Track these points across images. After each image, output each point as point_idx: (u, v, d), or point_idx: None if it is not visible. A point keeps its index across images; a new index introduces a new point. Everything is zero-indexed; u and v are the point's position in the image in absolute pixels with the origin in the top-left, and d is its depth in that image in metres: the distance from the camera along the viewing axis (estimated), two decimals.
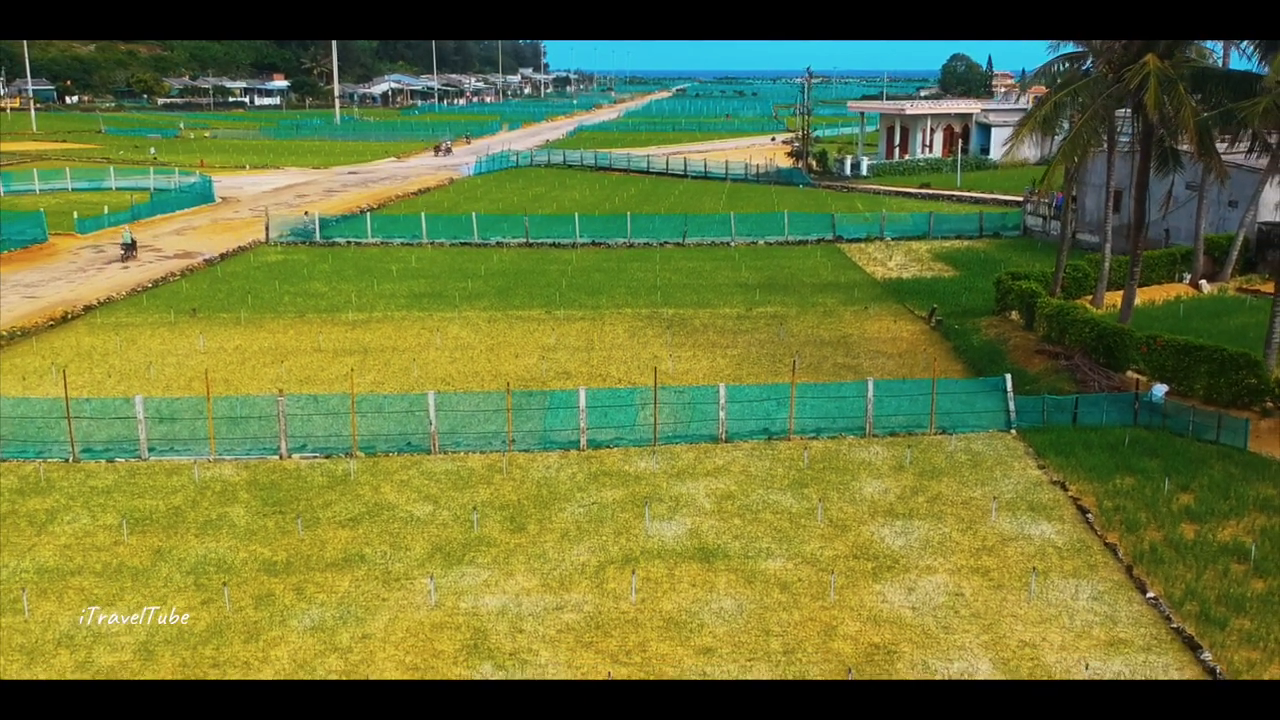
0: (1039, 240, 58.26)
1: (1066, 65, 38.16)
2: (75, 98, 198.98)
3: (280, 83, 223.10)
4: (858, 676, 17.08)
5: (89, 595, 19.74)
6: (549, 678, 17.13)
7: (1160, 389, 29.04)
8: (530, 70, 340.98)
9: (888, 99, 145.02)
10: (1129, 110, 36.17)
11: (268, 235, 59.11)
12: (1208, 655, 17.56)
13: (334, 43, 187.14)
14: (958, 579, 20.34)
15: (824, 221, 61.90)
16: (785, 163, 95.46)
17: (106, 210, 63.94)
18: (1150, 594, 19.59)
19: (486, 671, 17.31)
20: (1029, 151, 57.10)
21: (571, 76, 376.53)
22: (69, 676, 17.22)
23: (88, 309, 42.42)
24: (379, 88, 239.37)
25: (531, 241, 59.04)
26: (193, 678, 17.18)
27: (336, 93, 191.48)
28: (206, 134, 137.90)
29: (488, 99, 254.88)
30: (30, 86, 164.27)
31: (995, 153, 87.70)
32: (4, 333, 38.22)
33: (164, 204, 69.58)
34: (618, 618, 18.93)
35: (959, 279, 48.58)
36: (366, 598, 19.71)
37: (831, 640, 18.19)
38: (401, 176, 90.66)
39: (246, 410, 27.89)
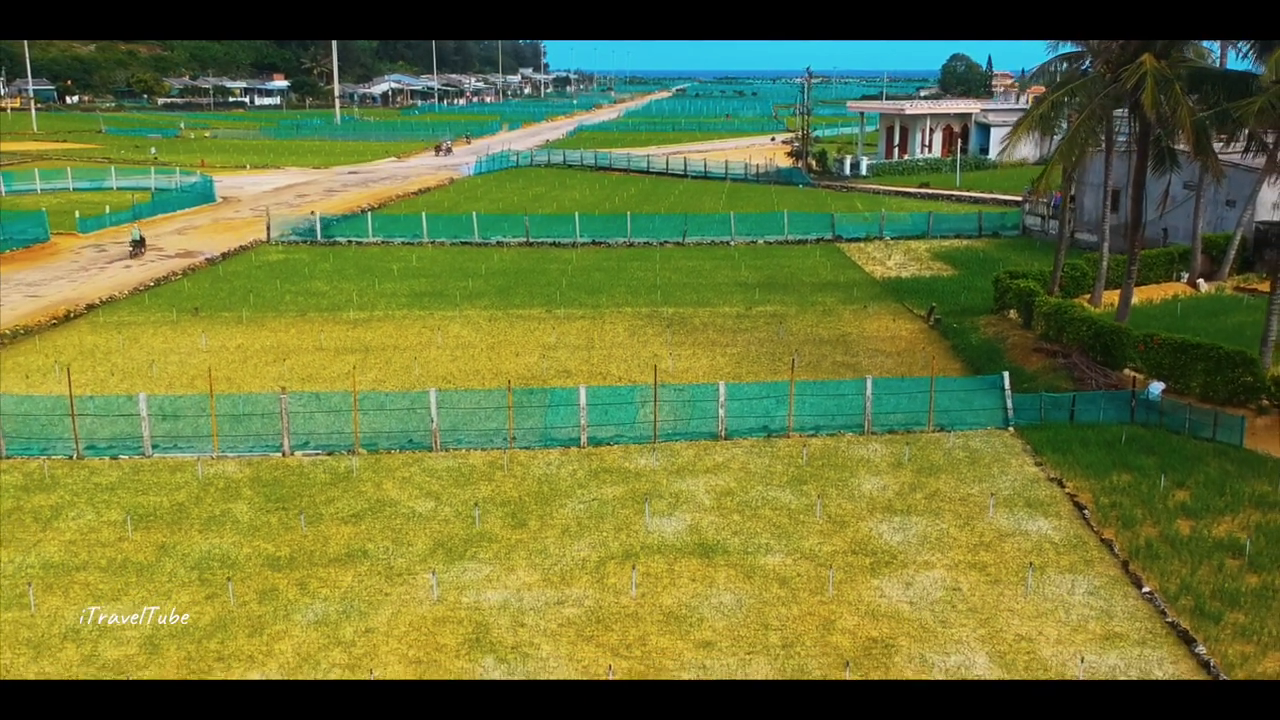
0: (1038, 239, 58.44)
1: (1065, 65, 38.32)
2: (75, 98, 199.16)
3: (280, 83, 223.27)
4: (855, 670, 17.26)
5: (94, 590, 19.92)
6: (550, 671, 17.31)
7: (1157, 387, 29.22)
8: (530, 70, 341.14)
9: (887, 99, 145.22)
10: (1126, 110, 36.33)
11: (269, 235, 59.28)
12: (1202, 649, 17.74)
13: (334, 43, 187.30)
14: (955, 574, 20.52)
15: (823, 221, 62.07)
16: (785, 162, 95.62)
17: (108, 210, 64.12)
18: (1146, 589, 19.77)
19: (488, 664, 17.49)
20: (1028, 151, 57.30)
21: (571, 76, 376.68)
22: (75, 670, 17.41)
23: (90, 308, 42.60)
24: (379, 88, 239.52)
25: (532, 241, 59.22)
26: (198, 671, 17.37)
27: (336, 93, 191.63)
28: (207, 134, 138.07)
29: (488, 99, 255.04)
30: (31, 86, 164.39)
31: (994, 153, 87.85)
32: (7, 331, 38.40)
33: (165, 204, 69.78)
34: (618, 612, 19.11)
35: (958, 278, 48.76)
36: (369, 592, 19.89)
37: (830, 634, 18.37)
38: (402, 176, 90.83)
39: (249, 408, 28.06)
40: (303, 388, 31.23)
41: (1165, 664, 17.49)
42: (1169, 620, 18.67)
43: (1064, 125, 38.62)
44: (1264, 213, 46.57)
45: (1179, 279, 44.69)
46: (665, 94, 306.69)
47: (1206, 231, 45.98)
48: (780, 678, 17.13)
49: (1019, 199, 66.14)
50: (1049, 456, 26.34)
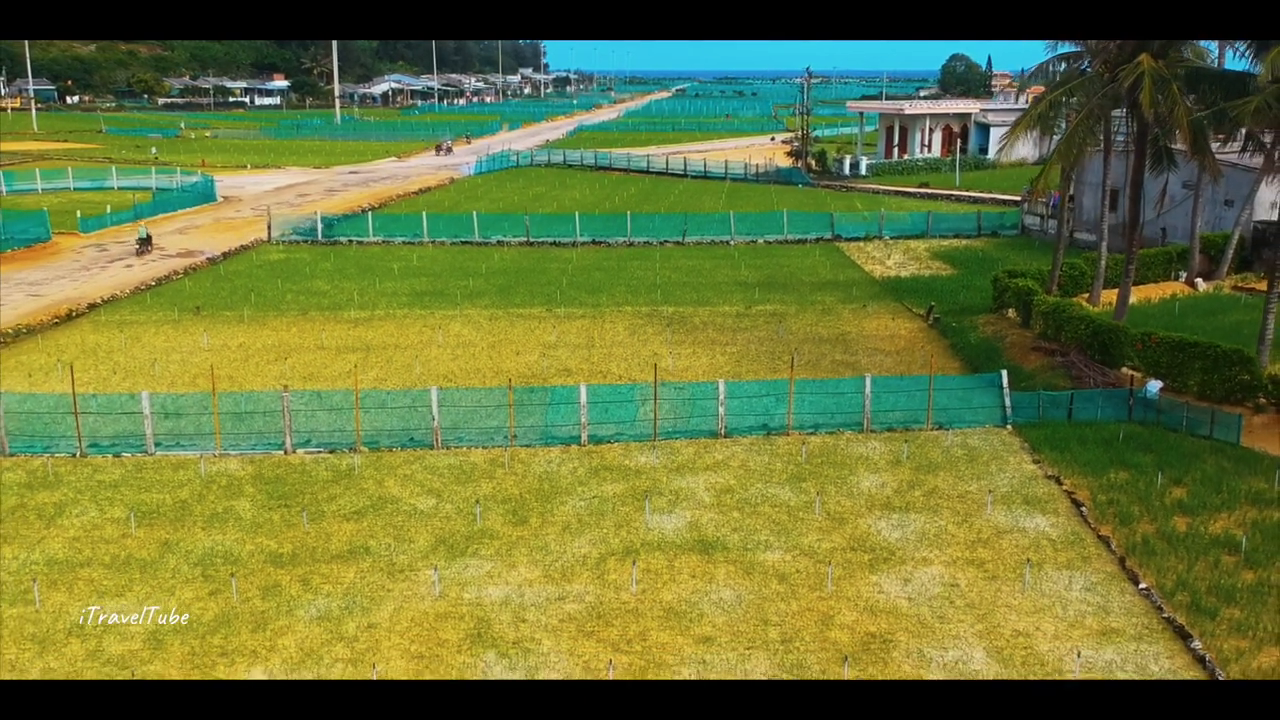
0: (1037, 239, 58.57)
1: (1063, 65, 38.44)
2: (76, 98, 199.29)
3: (280, 83, 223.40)
4: (854, 665, 17.40)
5: (98, 586, 20.06)
6: (551, 665, 17.45)
7: (1155, 385, 29.37)
8: (530, 70, 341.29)
9: (887, 99, 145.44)
10: (1125, 109, 36.46)
11: (270, 234, 59.43)
12: (1198, 644, 17.88)
13: (334, 43, 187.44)
14: (953, 570, 20.65)
15: (823, 220, 62.21)
16: (785, 162, 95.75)
17: (109, 210, 64.27)
18: (1142, 585, 19.91)
19: (490, 659, 17.63)
20: (1027, 151, 57.43)
21: (571, 76, 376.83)
22: (80, 665, 17.54)
23: (92, 307, 42.74)
24: (379, 88, 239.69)
25: (532, 240, 59.36)
26: (202, 665, 17.50)
27: (337, 93, 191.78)
28: (207, 134, 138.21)
29: (488, 99, 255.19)
30: (31, 86, 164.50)
31: (993, 152, 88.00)
32: (9, 330, 38.54)
33: (166, 203, 69.93)
34: (619, 608, 19.25)
35: (957, 277, 48.89)
36: (372, 589, 20.03)
37: (829, 630, 18.51)
38: (402, 176, 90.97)
39: (251, 406, 28.19)
40: (304, 386, 31.37)
41: (1161, 659, 17.63)
42: (1165, 616, 18.81)
43: (1062, 125, 38.74)
44: (1262, 212, 46.69)
45: (1177, 278, 44.82)
46: (665, 94, 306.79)
47: (1204, 231, 46.09)
48: (779, 673, 17.27)
49: (1018, 199, 66.28)
50: (1047, 454, 26.47)
